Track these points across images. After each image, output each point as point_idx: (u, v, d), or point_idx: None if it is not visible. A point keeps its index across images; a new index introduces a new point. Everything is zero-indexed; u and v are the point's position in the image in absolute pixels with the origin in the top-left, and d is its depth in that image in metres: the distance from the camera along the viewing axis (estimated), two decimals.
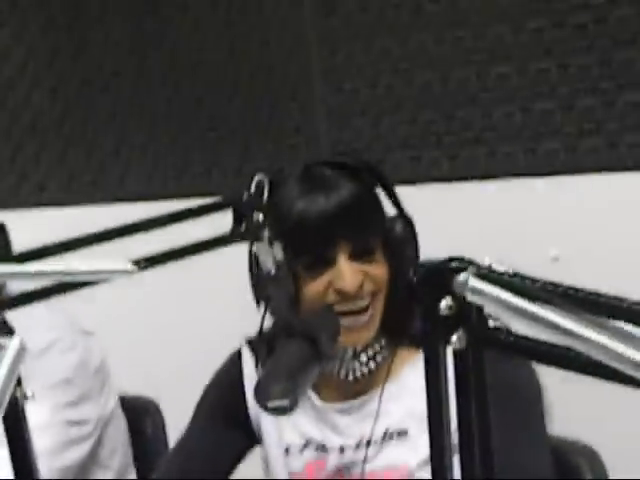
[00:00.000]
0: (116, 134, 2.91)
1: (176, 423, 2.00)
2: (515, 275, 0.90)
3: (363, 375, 1.63)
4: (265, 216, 1.57)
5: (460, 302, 0.88)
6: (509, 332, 0.89)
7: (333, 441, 1.66)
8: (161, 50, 2.80)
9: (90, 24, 2.89)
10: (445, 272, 0.90)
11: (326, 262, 1.55)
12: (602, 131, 2.28)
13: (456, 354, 0.89)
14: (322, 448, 1.67)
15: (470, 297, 0.87)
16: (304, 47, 2.57)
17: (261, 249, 1.57)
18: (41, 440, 1.91)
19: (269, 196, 1.60)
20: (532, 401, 1.60)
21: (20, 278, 1.47)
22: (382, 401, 1.61)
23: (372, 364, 1.62)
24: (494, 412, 1.54)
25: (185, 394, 1.76)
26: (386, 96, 2.45)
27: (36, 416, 1.84)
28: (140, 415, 2.23)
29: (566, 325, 0.83)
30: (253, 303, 1.59)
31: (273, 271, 1.56)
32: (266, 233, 1.56)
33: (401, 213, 1.61)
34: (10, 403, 0.96)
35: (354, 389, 1.65)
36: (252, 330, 1.58)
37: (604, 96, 2.27)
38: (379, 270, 1.55)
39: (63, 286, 1.36)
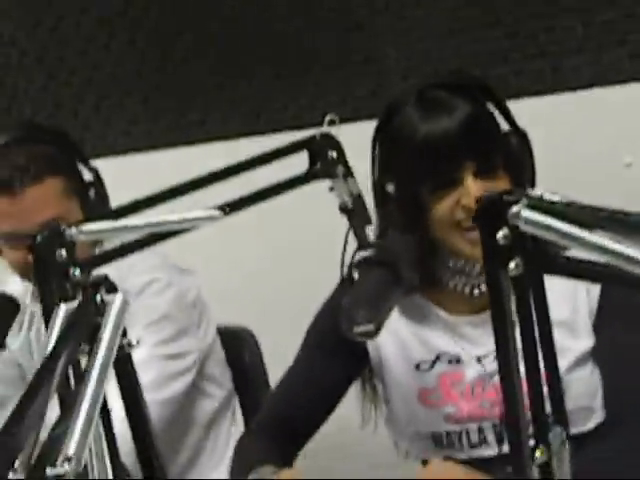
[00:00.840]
0: (192, 78, 2.99)
1: (271, 352, 2.08)
2: (566, 203, 0.96)
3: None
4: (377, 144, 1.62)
5: (515, 232, 0.95)
6: (564, 257, 0.96)
7: (469, 352, 1.65)
8: None
9: None
10: (500, 204, 0.96)
11: (452, 182, 1.56)
12: None
13: (515, 280, 0.96)
14: (457, 360, 1.66)
15: (523, 227, 0.94)
16: None
17: (337, 185, 1.63)
18: (144, 375, 1.99)
19: (383, 125, 1.63)
20: None
21: (116, 233, 1.58)
22: None
23: None
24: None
25: (279, 324, 1.80)
26: (450, 20, 2.48)
27: (138, 354, 1.95)
28: (238, 344, 2.23)
29: (614, 248, 0.89)
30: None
31: (350, 205, 1.63)
32: (340, 169, 1.62)
33: (515, 128, 1.61)
34: (118, 351, 1.07)
35: (481, 303, 1.63)
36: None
37: None
38: (503, 185, 1.56)
39: (155, 237, 1.46)
